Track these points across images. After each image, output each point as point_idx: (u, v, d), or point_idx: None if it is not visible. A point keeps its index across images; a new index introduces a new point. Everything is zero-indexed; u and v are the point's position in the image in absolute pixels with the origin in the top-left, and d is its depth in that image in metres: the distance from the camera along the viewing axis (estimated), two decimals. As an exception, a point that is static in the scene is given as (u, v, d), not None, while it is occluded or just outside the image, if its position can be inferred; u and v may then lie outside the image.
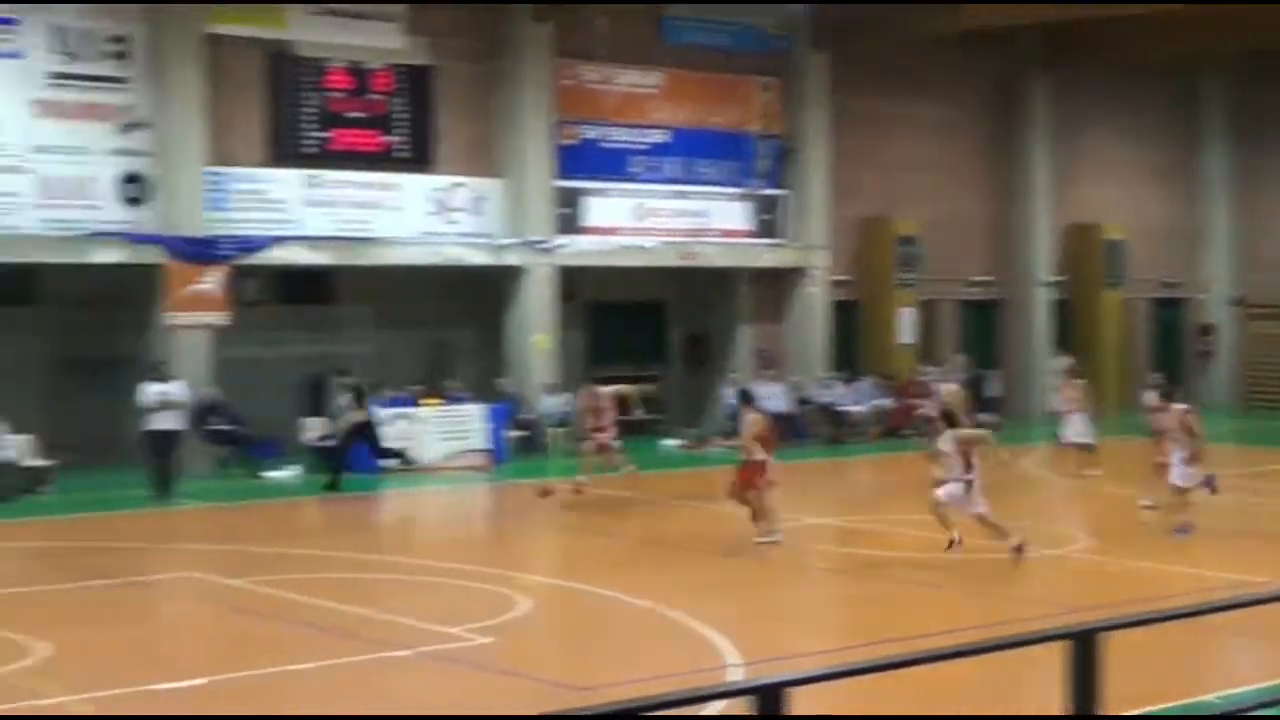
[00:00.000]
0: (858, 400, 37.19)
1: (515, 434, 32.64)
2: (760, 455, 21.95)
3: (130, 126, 30.04)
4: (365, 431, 29.04)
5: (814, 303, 38.39)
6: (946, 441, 20.64)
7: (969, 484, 20.34)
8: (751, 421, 22.37)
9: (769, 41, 38.05)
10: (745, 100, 37.94)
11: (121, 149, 29.99)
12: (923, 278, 40.24)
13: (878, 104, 39.95)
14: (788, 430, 35.62)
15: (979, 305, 42.86)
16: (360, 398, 29.14)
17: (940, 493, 20.40)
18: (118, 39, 29.95)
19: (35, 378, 30.45)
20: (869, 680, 7.75)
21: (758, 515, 21.92)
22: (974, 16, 35.15)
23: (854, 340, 39.63)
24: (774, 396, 35.65)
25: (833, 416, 36.79)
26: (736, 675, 14.91)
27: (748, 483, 21.97)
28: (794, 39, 38.08)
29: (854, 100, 39.05)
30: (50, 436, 29.41)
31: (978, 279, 42.53)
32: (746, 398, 23.65)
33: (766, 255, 37.93)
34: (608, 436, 27.34)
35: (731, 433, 32.44)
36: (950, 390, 30.00)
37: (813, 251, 38.27)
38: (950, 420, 21.25)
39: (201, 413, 29.54)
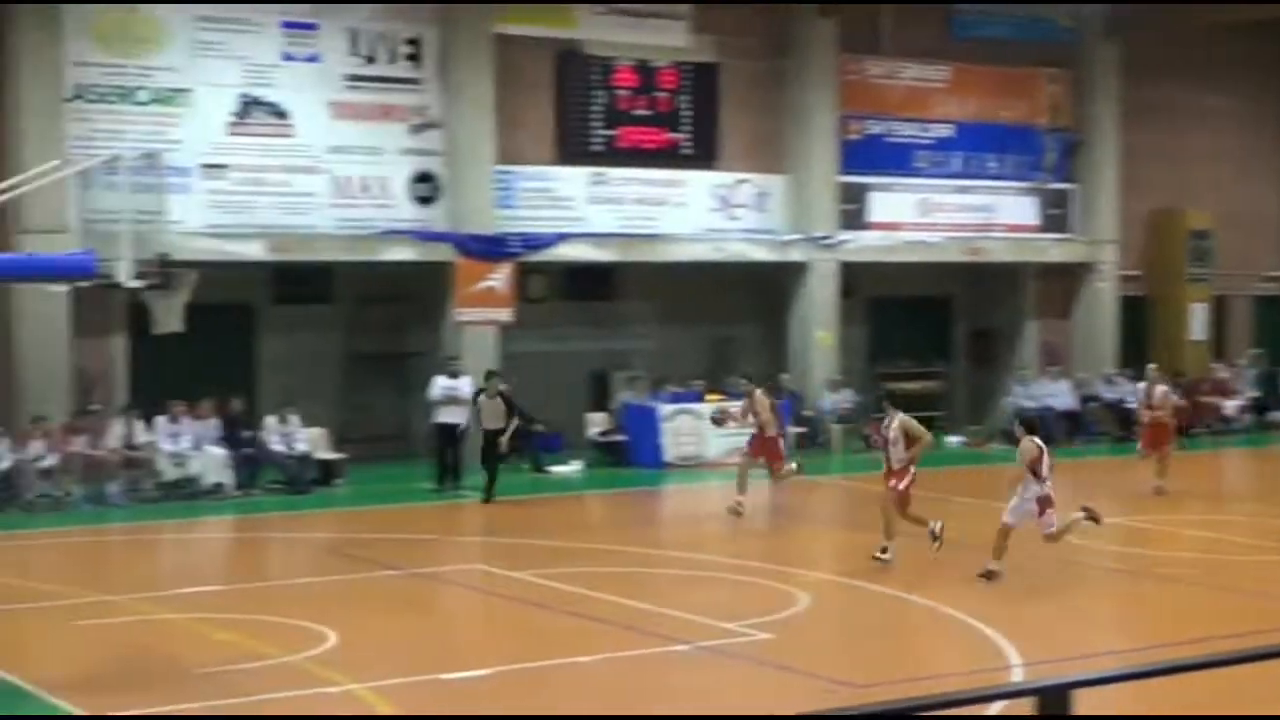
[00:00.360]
0: (1146, 398, 36.39)
1: (796, 430, 32.56)
2: (897, 464, 20.69)
3: (422, 127, 30.69)
4: (496, 439, 26.89)
5: (1102, 298, 37.77)
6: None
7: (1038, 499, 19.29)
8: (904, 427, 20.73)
9: (1058, 33, 37.51)
10: (1033, 93, 37.45)
11: (413, 149, 30.66)
12: (1215, 272, 39.31)
13: (1169, 94, 39.09)
14: (1073, 428, 35.14)
15: (1274, 300, 41.71)
16: (509, 404, 27.26)
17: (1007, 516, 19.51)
18: (411, 41, 30.62)
19: (328, 373, 31.28)
20: (1154, 683, 7.61)
21: (887, 526, 20.54)
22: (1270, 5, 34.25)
23: (1143, 336, 38.85)
24: (1059, 393, 35.18)
25: (1119, 414, 36.09)
26: (1018, 676, 14.78)
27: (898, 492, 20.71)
28: (1084, 31, 37.48)
29: (1145, 91, 38.25)
30: (342, 430, 30.26)
31: (1273, 274, 41.41)
32: (893, 399, 21.91)
33: (1054, 250, 37.41)
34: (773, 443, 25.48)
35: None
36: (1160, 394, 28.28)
37: (1101, 246, 37.66)
38: (1031, 428, 20.08)
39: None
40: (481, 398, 27.36)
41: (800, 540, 24.55)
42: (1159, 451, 27.37)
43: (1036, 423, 21.17)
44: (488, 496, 26.60)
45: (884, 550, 20.22)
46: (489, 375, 27.79)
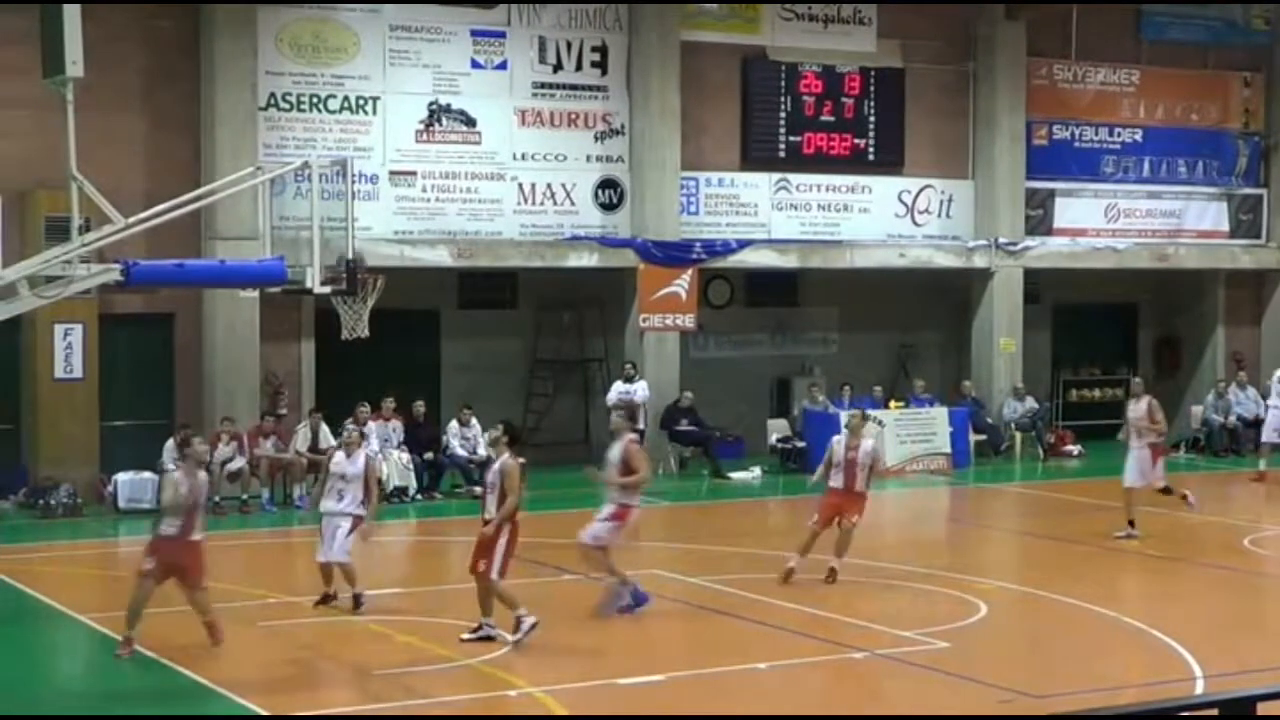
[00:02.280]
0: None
1: (976, 438, 32.32)
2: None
3: (607, 133, 30.90)
4: None
5: (1294, 306, 37.07)
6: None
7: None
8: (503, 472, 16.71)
9: (1251, 36, 36.88)
10: (1224, 96, 36.84)
11: (598, 155, 30.87)
12: None
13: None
14: (1259, 437, 34.38)
15: None
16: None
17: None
18: (598, 49, 30.82)
19: (511, 378, 31.56)
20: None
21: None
22: None
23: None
24: (1245, 402, 34.54)
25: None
26: (1199, 688, 14.62)
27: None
28: (1277, 31, 36.79)
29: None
30: (524, 435, 30.47)
31: None
32: (510, 432, 17.32)
33: (1244, 256, 36.79)
34: None
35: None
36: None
37: (1294, 252, 36.97)
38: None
39: (673, 414, 30.20)
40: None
41: (978, 548, 24.39)
42: None
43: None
44: None
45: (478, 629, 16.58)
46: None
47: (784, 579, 19.38)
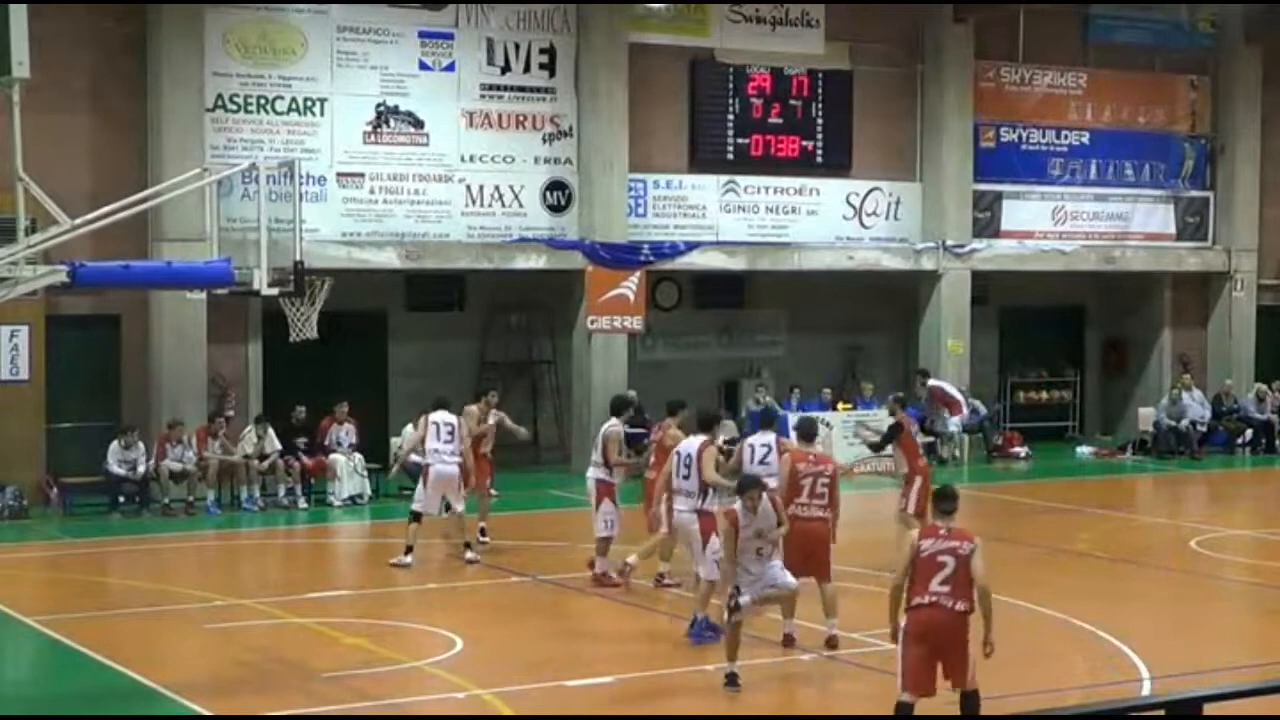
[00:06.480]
0: (1286, 410, 35.82)
1: (925, 440, 32.33)
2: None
3: (555, 135, 30.87)
4: None
5: (1239, 307, 37.23)
6: None
7: None
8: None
9: (1197, 39, 37.05)
10: (1171, 100, 37.02)
11: (546, 157, 30.83)
12: (1357, 282, 38.63)
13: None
14: (1203, 439, 34.60)
15: None
16: None
17: None
18: (545, 50, 30.78)
19: (460, 380, 31.43)
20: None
21: None
22: None
23: (1282, 346, 38.23)
24: (1194, 404, 34.73)
25: (1257, 426, 35.53)
26: (1146, 689, 14.68)
27: None
28: (1224, 36, 36.97)
29: (1284, 97, 37.67)
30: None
31: None
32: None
33: (1191, 259, 36.97)
34: None
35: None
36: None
37: (1239, 254, 37.12)
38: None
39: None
40: None
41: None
42: None
43: None
44: None
45: None
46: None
47: None
